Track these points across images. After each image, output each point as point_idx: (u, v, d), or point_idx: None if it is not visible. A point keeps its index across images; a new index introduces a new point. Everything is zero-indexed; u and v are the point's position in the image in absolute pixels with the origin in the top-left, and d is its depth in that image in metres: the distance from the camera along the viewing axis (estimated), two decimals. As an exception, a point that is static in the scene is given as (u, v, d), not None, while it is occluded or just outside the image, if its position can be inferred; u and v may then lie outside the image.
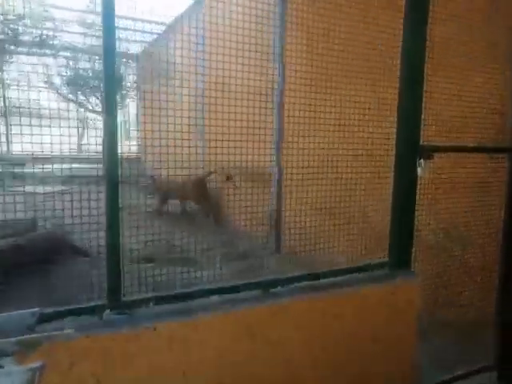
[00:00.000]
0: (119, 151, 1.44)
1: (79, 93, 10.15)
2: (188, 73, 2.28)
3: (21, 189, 2.10)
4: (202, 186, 5.76)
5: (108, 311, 1.41)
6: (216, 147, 2.41)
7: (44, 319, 1.30)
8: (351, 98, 2.40)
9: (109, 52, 1.38)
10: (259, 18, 2.39)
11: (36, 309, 1.27)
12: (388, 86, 2.37)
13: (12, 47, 5.57)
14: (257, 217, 2.68)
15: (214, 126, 2.49)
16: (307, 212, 2.67)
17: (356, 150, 2.55)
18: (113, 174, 1.41)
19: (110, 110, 1.39)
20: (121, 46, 10.22)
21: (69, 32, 6.97)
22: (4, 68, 6.30)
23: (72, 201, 2.00)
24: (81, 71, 9.42)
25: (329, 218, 2.78)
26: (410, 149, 2.00)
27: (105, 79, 1.38)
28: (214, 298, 1.58)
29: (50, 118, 1.97)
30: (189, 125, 2.24)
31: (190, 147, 2.27)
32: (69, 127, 1.95)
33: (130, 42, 10.23)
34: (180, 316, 1.47)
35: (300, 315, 1.67)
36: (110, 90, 1.38)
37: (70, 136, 1.91)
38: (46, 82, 8.77)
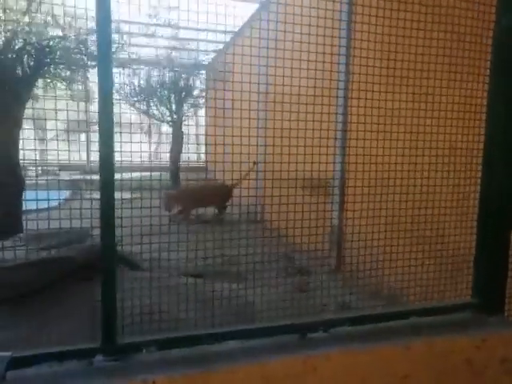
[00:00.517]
0: (116, 157, 1.18)
1: (150, 103, 10.54)
2: (254, 77, 2.07)
3: (93, 196, 2.04)
4: (229, 192, 5.84)
5: (100, 356, 1.15)
6: (275, 154, 2.15)
7: (20, 364, 1.08)
8: (428, 98, 1.95)
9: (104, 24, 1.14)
10: (326, 17, 2.05)
11: (7, 353, 1.05)
12: (473, 80, 1.90)
13: (86, 61, 5.75)
14: (316, 230, 2.32)
15: (276, 128, 2.22)
16: (373, 228, 2.25)
17: (433, 156, 2.08)
18: (107, 186, 1.16)
19: (105, 108, 1.14)
20: (189, 56, 10.45)
21: (135, 45, 7.21)
22: (79, 82, 6.58)
23: (131, 208, 1.88)
24: (149, 82, 9.75)
25: (397, 236, 2.32)
26: (505, 155, 1.51)
27: (99, 72, 1.15)
28: (234, 343, 1.26)
29: (131, 127, 2.06)
30: (250, 128, 2.05)
31: (250, 154, 2.06)
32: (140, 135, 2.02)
33: (198, 52, 10.42)
34: (188, 367, 1.17)
35: (347, 372, 1.28)
36: (105, 81, 1.14)
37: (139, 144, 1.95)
38: (119, 94, 9.21)
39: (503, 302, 1.52)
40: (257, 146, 2.28)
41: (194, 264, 2.65)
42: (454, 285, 2.11)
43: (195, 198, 6.27)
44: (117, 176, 2.26)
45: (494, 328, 1.44)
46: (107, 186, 1.14)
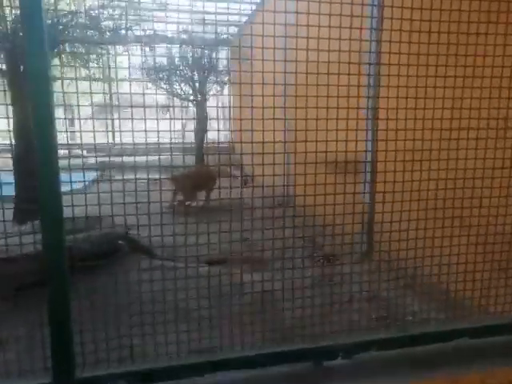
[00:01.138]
0: (57, 138, 0.92)
1: (174, 82, 10.28)
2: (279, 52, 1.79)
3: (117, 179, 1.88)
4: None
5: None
6: (300, 130, 1.87)
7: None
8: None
9: None
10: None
11: None
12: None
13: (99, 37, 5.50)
14: (345, 212, 2.03)
15: (300, 107, 1.93)
16: (409, 210, 1.94)
17: (478, 129, 1.72)
18: (47, 169, 0.89)
19: (36, 79, 0.87)
20: (211, 30, 10.03)
21: (156, 21, 6.89)
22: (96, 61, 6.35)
23: (148, 190, 1.73)
24: (172, 60, 9.45)
25: (435, 219, 1.99)
26: None
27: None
28: (234, 374, 1.00)
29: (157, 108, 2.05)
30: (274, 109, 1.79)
31: (274, 131, 1.82)
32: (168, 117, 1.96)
33: (219, 26, 9.99)
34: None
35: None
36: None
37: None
38: (142, 73, 8.98)
39: None
40: (284, 120, 2.04)
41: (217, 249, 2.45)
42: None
43: (196, 182, 6.08)
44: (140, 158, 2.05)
45: None
46: (47, 169, 0.88)
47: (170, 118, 2.00)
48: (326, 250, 4.02)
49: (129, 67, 2.10)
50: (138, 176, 1.87)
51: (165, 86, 10.01)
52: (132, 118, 1.80)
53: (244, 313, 2.12)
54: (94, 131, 1.83)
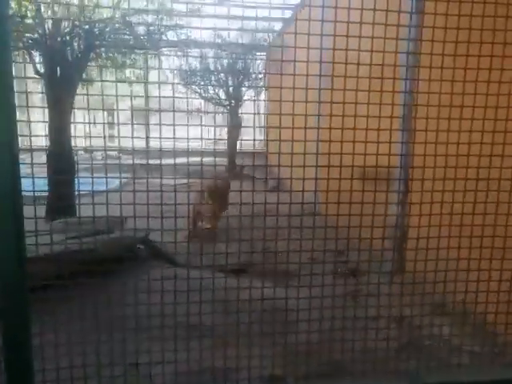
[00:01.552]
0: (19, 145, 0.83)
1: (209, 87, 10.34)
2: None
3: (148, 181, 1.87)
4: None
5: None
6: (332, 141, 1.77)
7: None
8: None
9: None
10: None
11: None
12: None
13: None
14: (375, 225, 1.86)
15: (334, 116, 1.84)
16: (442, 230, 1.76)
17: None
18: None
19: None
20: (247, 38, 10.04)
21: (189, 27, 6.93)
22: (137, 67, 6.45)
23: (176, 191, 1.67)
24: (207, 65, 9.49)
25: (469, 241, 1.79)
26: None
27: None
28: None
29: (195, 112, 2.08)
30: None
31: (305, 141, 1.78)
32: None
33: (256, 32, 9.95)
34: None
35: None
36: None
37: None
38: (178, 78, 9.08)
39: None
40: (318, 129, 1.96)
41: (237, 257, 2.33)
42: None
43: (226, 191, 5.09)
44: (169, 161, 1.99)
45: None
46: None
47: (202, 125, 1.97)
48: (352, 265, 3.81)
49: (158, 71, 2.08)
50: (166, 181, 1.83)
51: (199, 91, 10.08)
52: (174, 124, 1.78)
53: (264, 333, 1.99)
54: (132, 137, 1.83)
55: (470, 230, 1.63)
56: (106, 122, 2.12)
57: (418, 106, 1.80)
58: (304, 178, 1.84)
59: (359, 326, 2.17)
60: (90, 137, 2.03)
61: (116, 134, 1.88)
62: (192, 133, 1.93)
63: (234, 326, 1.98)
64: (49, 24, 4.76)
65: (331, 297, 2.15)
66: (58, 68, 4.95)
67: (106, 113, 2.33)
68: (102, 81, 1.97)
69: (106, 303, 1.88)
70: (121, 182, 2.08)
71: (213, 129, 2.76)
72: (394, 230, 3.00)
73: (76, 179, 4.94)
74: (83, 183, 2.20)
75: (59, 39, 4.84)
